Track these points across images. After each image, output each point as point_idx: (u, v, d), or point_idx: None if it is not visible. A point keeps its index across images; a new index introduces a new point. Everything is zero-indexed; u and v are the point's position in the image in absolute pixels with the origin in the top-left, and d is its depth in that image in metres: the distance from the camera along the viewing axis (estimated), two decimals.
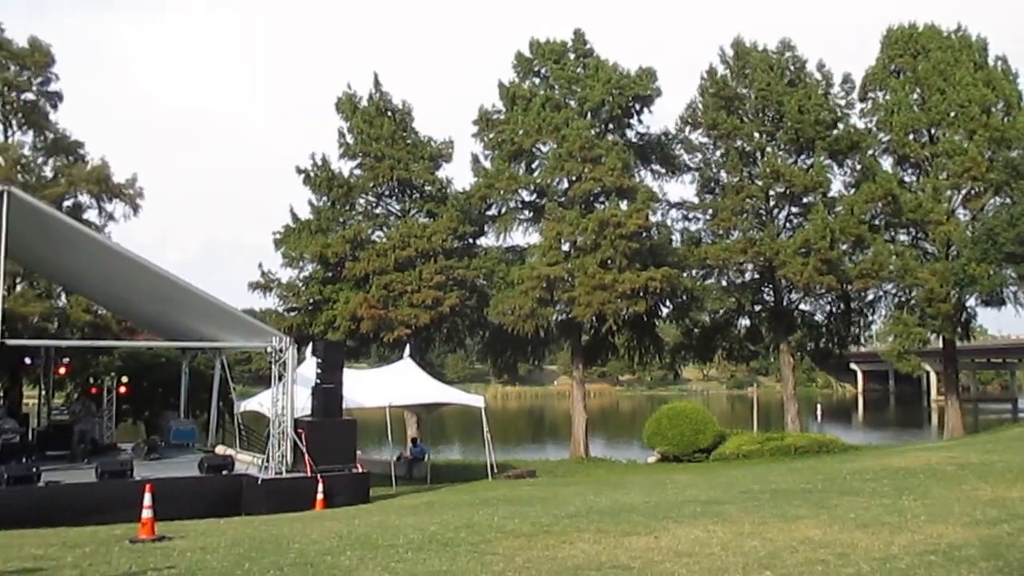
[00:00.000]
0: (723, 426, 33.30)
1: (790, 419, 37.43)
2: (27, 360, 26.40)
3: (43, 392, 26.78)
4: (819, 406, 66.97)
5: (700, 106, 38.25)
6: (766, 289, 38.79)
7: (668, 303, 37.37)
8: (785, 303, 38.65)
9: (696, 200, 38.88)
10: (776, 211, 38.18)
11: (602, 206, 34.71)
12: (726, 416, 54.41)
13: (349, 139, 37.18)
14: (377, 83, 37.97)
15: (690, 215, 39.07)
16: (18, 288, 33.74)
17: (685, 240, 38.22)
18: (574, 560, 8.89)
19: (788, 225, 38.23)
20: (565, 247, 35.04)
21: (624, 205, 34.45)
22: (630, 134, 37.83)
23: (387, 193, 37.61)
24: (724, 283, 38.81)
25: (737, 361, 46.01)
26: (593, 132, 35.32)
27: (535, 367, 54.03)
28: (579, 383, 37.61)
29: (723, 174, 38.13)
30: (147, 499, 12.61)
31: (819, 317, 40.47)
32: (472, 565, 8.79)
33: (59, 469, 18.87)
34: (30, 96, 35.37)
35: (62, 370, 26.89)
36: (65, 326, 34.11)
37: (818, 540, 9.69)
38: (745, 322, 40.49)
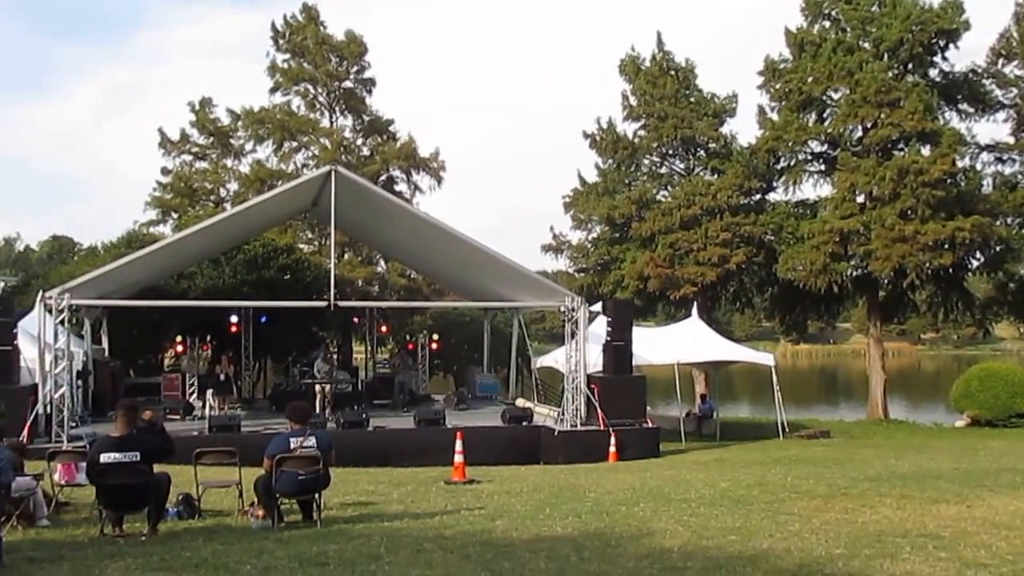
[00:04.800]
0: None
1: None
2: (355, 319, 30.02)
3: (368, 347, 30.27)
4: None
5: (1015, 35, 34.13)
6: None
7: (979, 254, 34.11)
8: None
9: (1012, 140, 34.97)
10: None
11: (901, 153, 32.37)
12: None
13: (632, 101, 37.73)
14: (660, 43, 38.07)
15: (1004, 157, 35.15)
16: (346, 256, 38.27)
17: (999, 185, 34.54)
18: (876, 525, 8.44)
19: None
20: (860, 198, 33.10)
21: (926, 150, 31.93)
22: (932, 73, 34.55)
23: (671, 152, 37.89)
24: None
25: None
26: (890, 74, 32.87)
27: (827, 325, 51.66)
28: (876, 341, 35.66)
29: None
30: (458, 445, 13.96)
31: None
32: (766, 524, 8.57)
33: (383, 416, 21.11)
34: (348, 84, 39.65)
35: (383, 328, 30.29)
36: (384, 289, 38.23)
37: None
38: None
